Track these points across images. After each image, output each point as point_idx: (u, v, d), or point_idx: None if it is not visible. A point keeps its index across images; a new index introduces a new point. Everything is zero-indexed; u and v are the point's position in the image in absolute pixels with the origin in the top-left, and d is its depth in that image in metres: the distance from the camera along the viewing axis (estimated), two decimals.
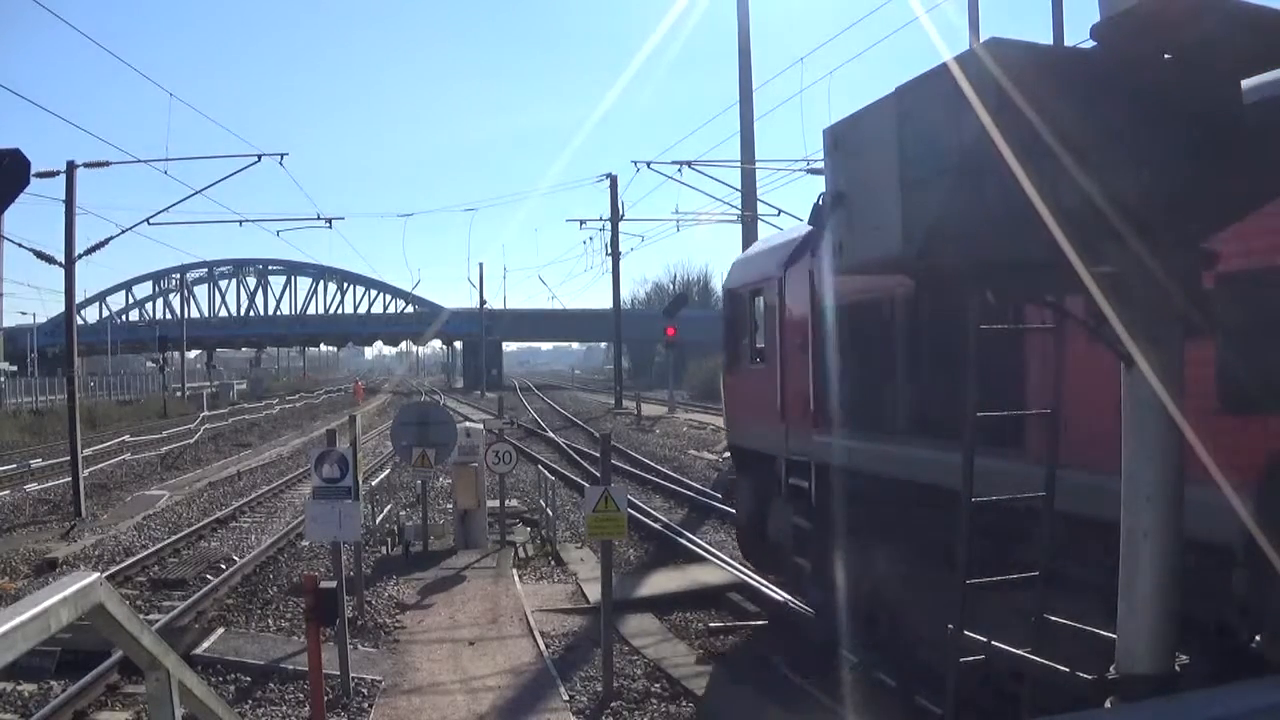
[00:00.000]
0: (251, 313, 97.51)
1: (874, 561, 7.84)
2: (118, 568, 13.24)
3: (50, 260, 19.83)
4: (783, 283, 9.74)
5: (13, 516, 18.55)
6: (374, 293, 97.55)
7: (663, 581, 12.15)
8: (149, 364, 73.86)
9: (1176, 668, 2.70)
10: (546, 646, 9.64)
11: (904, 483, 7.40)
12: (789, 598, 10.14)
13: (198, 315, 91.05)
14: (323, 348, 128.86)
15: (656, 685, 8.50)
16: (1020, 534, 4.97)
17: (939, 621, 4.23)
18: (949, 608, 3.56)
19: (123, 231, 22.24)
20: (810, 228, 9.39)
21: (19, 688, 8.52)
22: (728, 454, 14.65)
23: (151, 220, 22.36)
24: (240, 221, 33.32)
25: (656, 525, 15.33)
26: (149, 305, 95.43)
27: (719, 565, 12.48)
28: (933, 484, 6.74)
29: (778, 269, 9.91)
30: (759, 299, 10.54)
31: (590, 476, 19.80)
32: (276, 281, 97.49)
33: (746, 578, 11.50)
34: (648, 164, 24.19)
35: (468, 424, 17.23)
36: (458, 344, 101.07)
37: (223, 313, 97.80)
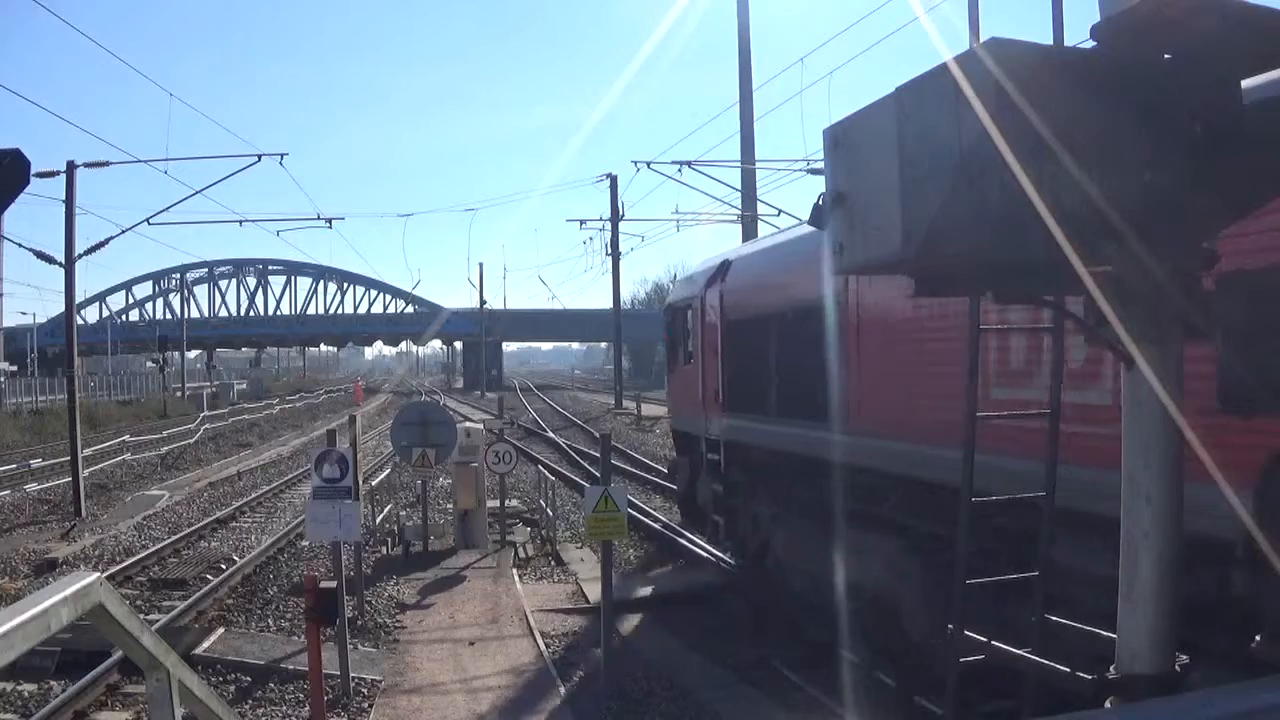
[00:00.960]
0: (251, 313, 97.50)
1: (762, 515, 10.25)
2: (118, 568, 13.24)
3: (50, 260, 19.85)
4: (703, 300, 11.95)
5: (13, 516, 18.55)
6: (374, 293, 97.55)
7: (663, 581, 12.16)
8: (149, 364, 73.82)
9: (1176, 668, 2.70)
10: (546, 646, 9.64)
11: (777, 452, 9.82)
12: (712, 551, 12.34)
13: (198, 315, 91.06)
14: (323, 348, 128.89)
15: (657, 685, 8.50)
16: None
17: (813, 560, 6.75)
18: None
19: (123, 231, 22.27)
20: (721, 261, 11.94)
21: (19, 688, 8.53)
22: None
23: (151, 220, 22.36)
24: (240, 221, 33.34)
25: (656, 525, 15.34)
26: (149, 305, 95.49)
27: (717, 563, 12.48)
28: (795, 452, 9.24)
29: (701, 289, 12.13)
30: (689, 312, 12.71)
31: (590, 476, 19.81)
32: (276, 281, 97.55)
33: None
34: (648, 164, 24.16)
35: (468, 424, 17.24)
36: (458, 344, 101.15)
37: (223, 313, 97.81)
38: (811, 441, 8.83)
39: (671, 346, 14.20)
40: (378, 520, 15.93)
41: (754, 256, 11.40)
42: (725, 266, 11.57)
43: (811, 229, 7.00)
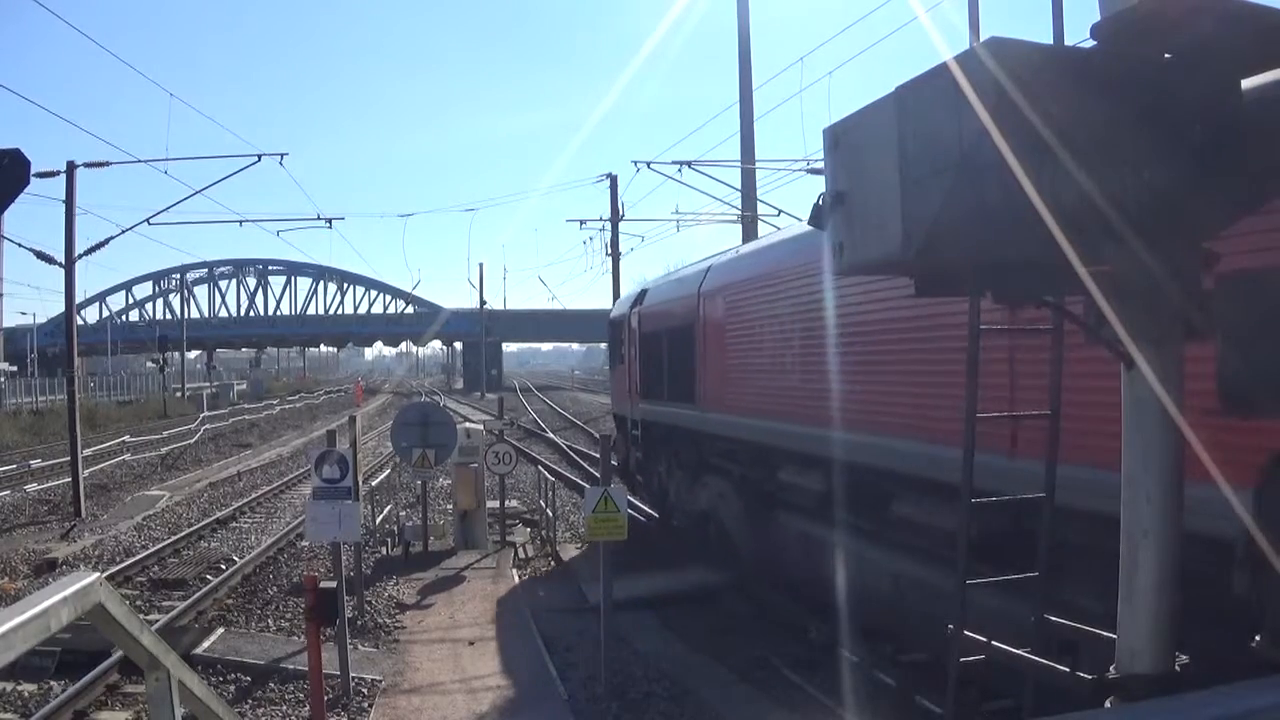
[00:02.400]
0: (251, 313, 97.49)
1: (663, 472, 14.42)
2: (118, 568, 13.25)
3: (50, 260, 19.82)
4: (628, 317, 15.72)
5: (13, 516, 18.55)
6: (374, 293, 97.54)
7: (663, 581, 12.15)
8: (149, 364, 73.78)
9: (1176, 668, 2.70)
10: (546, 646, 9.64)
11: (668, 426, 13.58)
12: (641, 506, 15.96)
13: (198, 315, 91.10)
14: (323, 348, 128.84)
15: (657, 685, 8.50)
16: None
17: (687, 499, 12.42)
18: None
19: (123, 231, 22.25)
20: (641, 289, 15.73)
21: (19, 688, 8.53)
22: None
23: (151, 220, 22.32)
24: (240, 221, 33.38)
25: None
26: (149, 305, 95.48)
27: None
28: (677, 426, 12.97)
29: (628, 310, 15.84)
30: (622, 326, 16.27)
31: (590, 477, 19.81)
32: (276, 282, 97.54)
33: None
34: (648, 164, 24.11)
35: (468, 425, 17.23)
36: (458, 344, 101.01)
37: (223, 313, 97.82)
38: (684, 418, 12.62)
39: (611, 352, 18.06)
40: (378, 520, 15.92)
41: (659, 287, 14.88)
42: (643, 294, 15.42)
43: (701, 265, 12.67)
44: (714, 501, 12.01)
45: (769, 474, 10.05)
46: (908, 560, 7.21)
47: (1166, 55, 2.44)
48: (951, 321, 6.17)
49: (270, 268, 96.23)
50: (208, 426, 39.33)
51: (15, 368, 62.72)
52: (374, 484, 16.87)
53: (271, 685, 8.70)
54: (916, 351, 6.98)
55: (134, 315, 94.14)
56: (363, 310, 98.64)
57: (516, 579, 12.69)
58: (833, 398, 8.14)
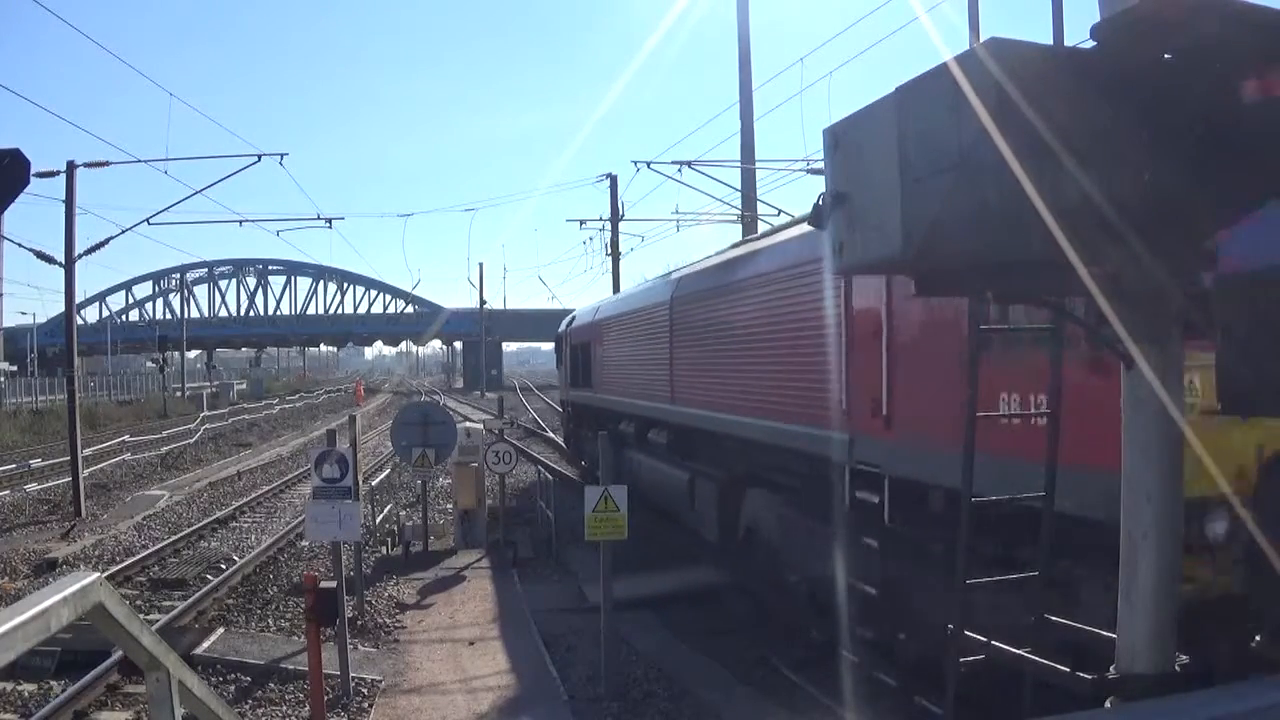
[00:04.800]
0: (251, 313, 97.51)
1: (585, 438, 19.70)
2: (118, 568, 13.24)
3: (50, 260, 19.81)
4: (563, 332, 22.72)
5: (13, 516, 18.54)
6: (374, 293, 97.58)
7: (663, 581, 12.15)
8: (149, 364, 73.79)
9: (1176, 668, 2.70)
10: (546, 646, 9.64)
11: (584, 405, 19.80)
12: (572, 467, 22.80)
13: (198, 315, 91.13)
14: (323, 348, 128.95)
15: (657, 685, 8.50)
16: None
17: (591, 454, 17.38)
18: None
19: (123, 231, 22.26)
20: (572, 314, 22.63)
21: (19, 688, 8.53)
22: None
23: (151, 220, 22.27)
24: (240, 221, 33.39)
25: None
26: (149, 305, 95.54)
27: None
28: (589, 405, 18.97)
29: (565, 326, 22.78)
30: (561, 338, 23.14)
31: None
32: (276, 281, 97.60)
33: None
34: (648, 164, 24.08)
35: (468, 424, 17.23)
36: (458, 344, 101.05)
37: (223, 313, 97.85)
38: (591, 399, 18.76)
39: (557, 356, 24.97)
40: (378, 520, 15.93)
41: (577, 315, 21.98)
42: (572, 318, 22.29)
43: (598, 303, 20.28)
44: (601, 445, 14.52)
45: (619, 426, 16.27)
46: (689, 472, 12.29)
47: (1166, 55, 2.43)
48: (713, 326, 11.16)
49: (270, 268, 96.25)
50: (208, 426, 39.32)
51: (15, 367, 62.71)
52: (374, 484, 16.88)
53: (271, 685, 8.70)
54: (694, 351, 11.91)
55: (134, 315, 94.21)
56: (363, 310, 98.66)
57: (516, 578, 12.69)
58: (641, 383, 14.58)
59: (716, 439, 11.06)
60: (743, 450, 10.34)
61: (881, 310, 6.98)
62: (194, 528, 16.52)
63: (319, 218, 28.20)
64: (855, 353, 7.44)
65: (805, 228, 8.41)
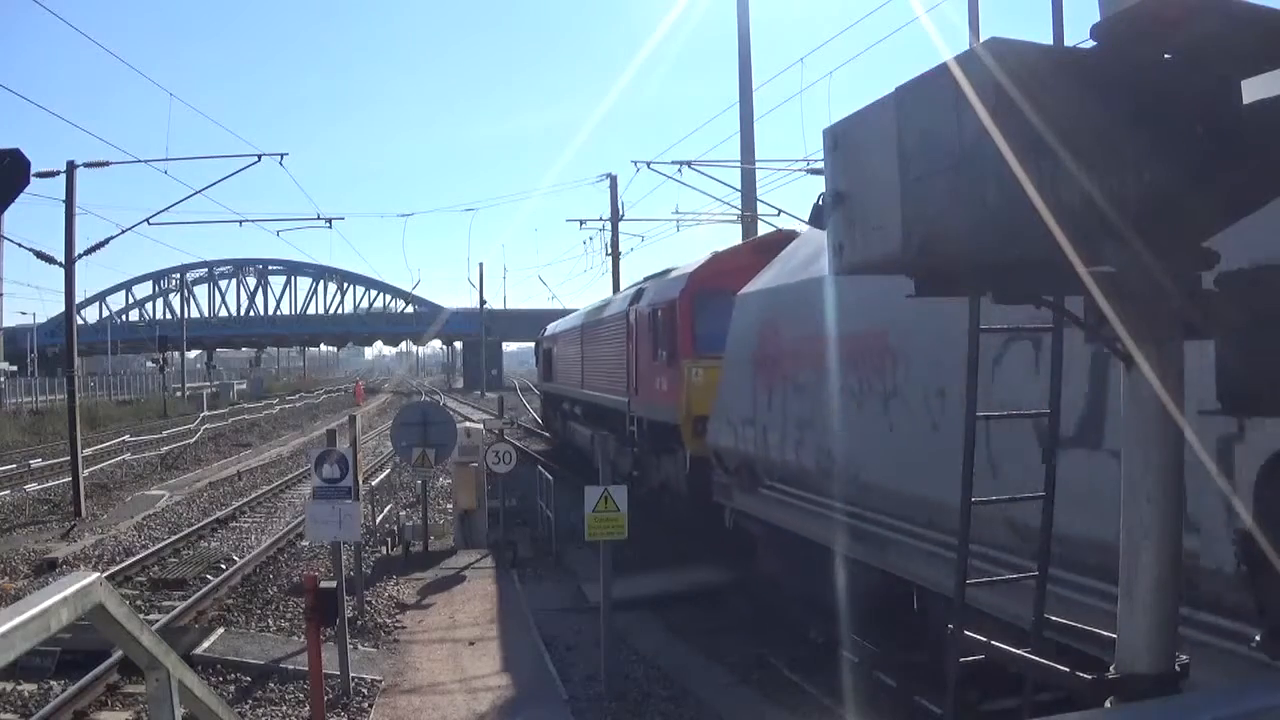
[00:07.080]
0: (251, 313, 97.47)
1: (555, 418, 28.41)
2: (118, 568, 13.25)
3: (50, 260, 19.83)
4: (539, 340, 32.39)
5: (13, 516, 18.55)
6: (374, 293, 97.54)
7: (663, 581, 12.16)
8: (149, 364, 73.82)
9: (1176, 668, 2.70)
10: (546, 646, 9.64)
11: (552, 393, 29.30)
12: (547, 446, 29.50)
13: (198, 315, 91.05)
14: (323, 348, 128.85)
15: (657, 685, 8.50)
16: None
17: (561, 432, 27.13)
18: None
19: (123, 231, 22.21)
20: (546, 326, 31.60)
21: (19, 688, 8.53)
22: None
23: (151, 220, 22.29)
24: (240, 221, 33.37)
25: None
26: (149, 305, 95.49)
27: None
28: (555, 393, 28.11)
29: (540, 335, 31.78)
30: (539, 344, 32.24)
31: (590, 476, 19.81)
32: (276, 281, 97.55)
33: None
34: (648, 164, 24.11)
35: (468, 424, 17.24)
36: (458, 344, 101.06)
37: (223, 313, 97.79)
38: (552, 388, 28.31)
39: (536, 356, 33.92)
40: (378, 520, 15.94)
41: (549, 326, 29.70)
42: (544, 329, 30.63)
43: (560, 321, 30.13)
44: (558, 419, 26.10)
45: (563, 405, 24.73)
46: (589, 429, 20.15)
47: (1166, 55, 2.43)
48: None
49: (270, 267, 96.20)
50: (208, 426, 39.32)
51: (15, 367, 62.70)
52: (374, 484, 16.89)
53: (271, 685, 8.71)
54: (590, 357, 21.27)
55: (134, 315, 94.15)
56: (363, 310, 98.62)
57: (516, 578, 12.69)
58: (574, 376, 23.03)
59: (597, 407, 20.10)
60: (600, 410, 19.66)
61: (631, 343, 16.55)
62: (194, 528, 16.53)
63: (319, 218, 28.24)
64: (629, 361, 16.63)
65: (621, 297, 19.10)
